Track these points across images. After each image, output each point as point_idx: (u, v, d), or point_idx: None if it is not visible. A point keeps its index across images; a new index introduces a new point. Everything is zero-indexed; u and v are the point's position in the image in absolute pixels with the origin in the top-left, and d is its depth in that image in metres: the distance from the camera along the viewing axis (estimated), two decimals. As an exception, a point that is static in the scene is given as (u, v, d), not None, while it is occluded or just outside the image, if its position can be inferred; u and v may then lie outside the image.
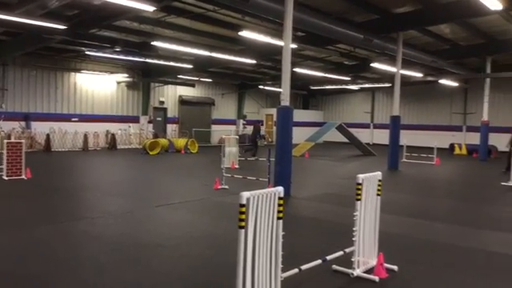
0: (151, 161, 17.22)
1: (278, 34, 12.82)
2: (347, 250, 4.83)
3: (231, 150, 14.11)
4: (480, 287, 4.63)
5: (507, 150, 15.74)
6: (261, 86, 29.25)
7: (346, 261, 4.79)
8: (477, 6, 10.59)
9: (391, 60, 17.93)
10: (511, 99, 25.72)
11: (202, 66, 22.18)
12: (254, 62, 19.65)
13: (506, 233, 6.98)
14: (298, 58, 21.01)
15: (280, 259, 3.78)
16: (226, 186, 10.45)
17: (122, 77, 23.59)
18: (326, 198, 9.90)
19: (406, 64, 18.33)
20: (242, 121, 30.81)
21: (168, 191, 10.28)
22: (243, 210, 3.35)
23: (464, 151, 24.50)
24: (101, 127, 22.53)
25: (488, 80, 20.78)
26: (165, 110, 26.27)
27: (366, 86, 28.55)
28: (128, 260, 5.20)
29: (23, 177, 11.33)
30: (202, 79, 27.08)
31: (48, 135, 20.18)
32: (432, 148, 19.12)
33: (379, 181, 4.96)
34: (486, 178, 14.17)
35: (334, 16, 13.75)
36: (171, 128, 26.48)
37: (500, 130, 22.26)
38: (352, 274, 4.71)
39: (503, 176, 13.53)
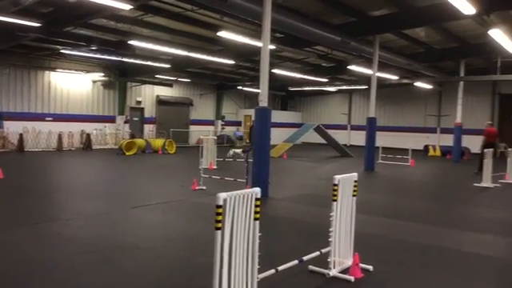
0: (128, 161, 17.00)
1: (257, 35, 12.85)
2: (323, 251, 4.87)
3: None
4: (453, 286, 4.72)
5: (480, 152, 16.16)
6: (239, 87, 29.26)
7: (322, 261, 4.82)
8: (451, 10, 10.82)
9: (368, 62, 18.18)
10: (483, 102, 26.41)
11: (180, 66, 22.04)
12: (232, 62, 19.65)
13: (478, 233, 7.15)
14: (277, 59, 21.10)
15: (257, 260, 3.78)
16: (204, 187, 10.41)
17: (98, 76, 23.22)
18: (303, 198, 9.96)
19: (382, 66, 18.63)
20: (220, 121, 30.74)
21: (145, 192, 10.17)
22: (220, 211, 3.34)
23: (438, 153, 25.01)
24: (75, 127, 22.14)
25: (461, 83, 21.29)
26: (142, 110, 25.98)
27: (344, 87, 28.89)
28: (103, 262, 5.11)
29: (-6, 177, 11.03)
30: (179, 79, 26.91)
31: (21, 135, 19.72)
32: (407, 149, 19.45)
33: (355, 182, 5.02)
34: (459, 179, 14.50)
35: (312, 18, 13.86)
36: (148, 128, 26.21)
37: (473, 132, 22.84)
38: (328, 274, 4.74)
39: (475, 177, 13.87)
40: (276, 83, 25.90)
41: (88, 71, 22.78)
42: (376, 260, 5.24)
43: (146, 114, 26.22)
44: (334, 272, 4.76)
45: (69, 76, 22.15)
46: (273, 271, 4.33)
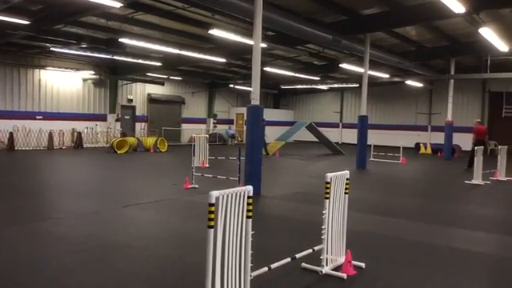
0: (119, 160, 16.91)
1: (248, 33, 12.84)
2: (316, 248, 4.88)
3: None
4: (444, 283, 4.76)
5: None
6: (231, 85, 29.20)
7: (315, 258, 4.84)
8: (441, 8, 10.89)
9: (359, 61, 18.27)
10: (474, 100, 26.64)
11: (172, 64, 21.95)
12: (224, 60, 19.61)
13: (469, 230, 7.21)
14: (269, 58, 21.10)
15: (249, 258, 3.78)
16: (196, 186, 10.38)
17: (89, 74, 23.03)
18: (295, 196, 9.98)
19: (374, 65, 18.71)
20: (212, 120, 30.68)
21: (136, 191, 10.12)
22: (212, 209, 3.34)
23: (429, 150, 25.18)
24: (66, 125, 21.96)
25: (452, 81, 21.43)
26: (133, 108, 25.84)
27: (335, 86, 28.94)
28: (94, 261, 5.08)
29: (-16, 177, 10.92)
30: (171, 77, 26.81)
31: (11, 133, 19.53)
32: (398, 147, 19.57)
33: (347, 179, 5.03)
34: (450, 177, 14.60)
35: (304, 16, 13.87)
36: (140, 126, 26.08)
37: (463, 130, 23.04)
38: (321, 271, 4.76)
39: (466, 174, 13.98)
40: (268, 81, 25.92)
41: (78, 69, 22.59)
42: (368, 257, 5.27)
43: (138, 113, 26.09)
44: (326, 269, 4.78)
45: (59, 74, 21.94)
46: (265, 269, 4.33)
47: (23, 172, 12.98)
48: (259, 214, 7.05)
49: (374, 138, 21.04)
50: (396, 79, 23.77)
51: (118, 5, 10.73)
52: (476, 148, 13.07)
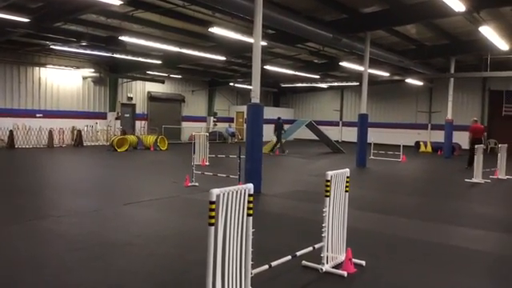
0: (119, 158, 16.91)
1: (249, 31, 12.82)
2: (316, 246, 4.88)
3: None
4: (443, 280, 4.76)
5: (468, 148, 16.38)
6: (231, 83, 29.18)
7: (316, 256, 4.84)
8: (441, 7, 10.88)
9: (359, 59, 18.23)
10: (474, 98, 26.63)
11: (172, 63, 21.94)
12: (224, 58, 19.60)
13: (468, 228, 7.22)
14: (269, 56, 21.07)
15: (250, 256, 3.78)
16: (197, 184, 10.39)
17: (89, 72, 23.02)
18: (295, 194, 9.98)
19: (374, 63, 18.68)
20: (212, 118, 30.67)
21: (137, 189, 10.13)
22: (213, 207, 3.34)
23: (429, 149, 25.19)
24: (66, 123, 21.95)
25: (452, 80, 21.42)
26: (133, 106, 25.83)
27: (335, 84, 28.92)
28: (95, 259, 5.09)
29: (-16, 175, 10.92)
30: (171, 75, 26.78)
31: (11, 131, 19.53)
32: (398, 146, 19.57)
33: (347, 177, 5.03)
34: (450, 175, 14.61)
35: (304, 14, 13.86)
36: (140, 125, 26.07)
37: (463, 129, 22.99)
38: (321, 269, 4.76)
39: (466, 173, 13.98)
40: (268, 80, 25.89)
41: (78, 67, 22.58)
42: (369, 255, 5.27)
43: (138, 111, 26.08)
44: (327, 267, 4.78)
45: (59, 72, 21.93)
46: (266, 267, 4.33)
47: (23, 170, 12.97)
48: (260, 211, 7.05)
49: (374, 136, 21.03)
50: (396, 77, 23.76)
51: (118, 2, 10.72)
52: (476, 146, 13.07)
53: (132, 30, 16.36)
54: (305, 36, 14.36)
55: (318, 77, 26.42)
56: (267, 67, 21.21)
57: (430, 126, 28.51)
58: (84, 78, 23.09)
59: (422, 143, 25.79)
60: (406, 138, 22.68)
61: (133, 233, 6.29)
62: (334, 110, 33.07)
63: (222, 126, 30.02)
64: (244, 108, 24.79)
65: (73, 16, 13.43)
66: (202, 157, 14.55)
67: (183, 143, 25.73)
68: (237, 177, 9.80)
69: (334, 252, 4.97)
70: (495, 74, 20.37)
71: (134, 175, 12.48)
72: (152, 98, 26.61)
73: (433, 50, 19.50)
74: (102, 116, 23.79)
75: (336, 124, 32.67)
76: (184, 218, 7.44)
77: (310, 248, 4.90)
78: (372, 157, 19.09)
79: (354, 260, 4.93)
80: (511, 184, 12.72)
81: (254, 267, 3.94)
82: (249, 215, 3.73)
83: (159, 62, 20.53)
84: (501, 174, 13.63)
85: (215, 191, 3.35)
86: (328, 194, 4.71)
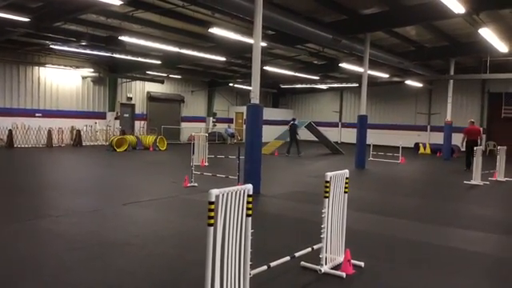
0: (118, 158, 16.90)
1: (248, 32, 12.82)
2: (315, 247, 4.89)
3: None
4: (442, 282, 4.77)
5: (463, 149, 16.45)
6: (231, 84, 29.17)
7: (314, 257, 4.84)
8: (441, 8, 10.88)
9: (359, 60, 18.26)
10: (473, 100, 26.64)
11: (171, 63, 21.93)
12: (224, 59, 19.59)
13: (467, 230, 7.22)
14: (268, 57, 21.08)
15: (249, 256, 3.78)
16: (196, 184, 10.39)
17: (88, 72, 23.00)
18: (294, 195, 9.98)
19: (373, 65, 18.70)
20: (211, 118, 30.66)
21: (136, 189, 10.12)
22: (212, 207, 3.34)
23: (428, 150, 25.20)
24: (66, 123, 21.92)
25: (451, 81, 21.45)
26: (132, 106, 25.81)
27: (335, 85, 28.93)
28: (93, 259, 5.09)
29: (-17, 174, 10.91)
30: (171, 76, 26.77)
31: (10, 131, 19.51)
32: (398, 147, 19.58)
33: (346, 179, 5.04)
34: (449, 177, 14.61)
35: (304, 15, 13.86)
36: (139, 125, 26.05)
37: (463, 131, 23.00)
38: (320, 270, 4.77)
39: (465, 174, 13.99)
40: (268, 80, 25.88)
41: (78, 67, 22.56)
42: (367, 256, 5.27)
43: (137, 111, 26.05)
44: (325, 268, 4.79)
45: (58, 72, 21.91)
46: (265, 267, 4.33)
47: (22, 170, 12.96)
48: (259, 212, 7.05)
49: (374, 137, 21.04)
50: (396, 79, 23.76)
51: (118, 2, 10.72)
52: (475, 148, 13.08)
53: (132, 30, 16.36)
54: (305, 37, 14.36)
55: (317, 78, 26.43)
56: (267, 68, 21.21)
57: (429, 127, 28.53)
58: (83, 78, 23.08)
59: (421, 145, 25.80)
60: (405, 139, 22.67)
61: (132, 233, 6.29)
62: (334, 111, 33.08)
63: (221, 127, 30.02)
64: (243, 109, 24.80)
65: (73, 16, 13.42)
66: (201, 157, 14.56)
67: (182, 143, 25.73)
68: (236, 177, 9.80)
69: (333, 253, 4.97)
70: (494, 76, 20.39)
71: (133, 175, 12.47)
72: (151, 98, 26.59)
73: (432, 52, 19.52)
74: (101, 116, 23.77)
75: (335, 125, 32.68)
76: (183, 218, 7.44)
77: (309, 249, 4.90)
78: (371, 158, 19.10)
79: (353, 261, 4.93)
80: (510, 186, 12.73)
81: (252, 268, 3.94)
82: (248, 216, 3.73)
83: (159, 62, 20.52)
84: (500, 176, 13.63)
85: (214, 191, 3.35)
86: (327, 195, 4.71)
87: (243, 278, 3.76)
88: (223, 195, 3.43)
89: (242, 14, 11.36)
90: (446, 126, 21.23)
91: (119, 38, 15.66)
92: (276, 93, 34.62)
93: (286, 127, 22.69)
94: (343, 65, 20.13)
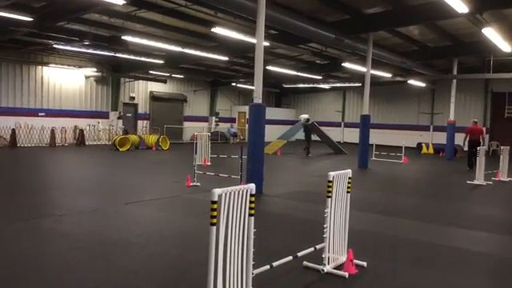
0: (121, 157, 16.93)
1: (251, 32, 12.82)
2: (318, 247, 4.88)
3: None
4: (444, 282, 4.76)
5: (466, 148, 16.41)
6: (233, 84, 29.18)
7: (317, 257, 4.83)
8: (444, 8, 10.87)
9: (361, 60, 18.22)
10: (476, 100, 26.58)
11: (174, 62, 21.95)
12: (226, 58, 19.59)
13: (470, 230, 7.21)
14: (271, 56, 21.07)
15: (251, 256, 3.78)
16: (198, 183, 10.39)
17: (91, 71, 23.06)
18: (297, 195, 9.97)
19: (376, 64, 18.68)
20: (214, 118, 30.67)
21: (138, 188, 10.13)
22: (215, 206, 3.34)
23: (431, 150, 25.15)
24: (69, 123, 21.98)
25: (454, 81, 21.39)
26: (135, 105, 25.85)
27: (337, 85, 28.90)
28: (96, 258, 5.09)
29: (-14, 173, 10.94)
30: (173, 75, 26.79)
31: (13, 130, 19.56)
32: (400, 147, 19.54)
33: (349, 178, 5.03)
34: (452, 177, 14.58)
35: (306, 15, 13.85)
36: (142, 124, 26.09)
37: (465, 130, 22.95)
38: (322, 270, 4.76)
39: (468, 174, 13.95)
40: (270, 80, 25.88)
41: (81, 66, 22.62)
42: (370, 256, 5.26)
43: (140, 110, 26.09)
44: (328, 268, 4.78)
45: (62, 71, 21.97)
46: (267, 267, 4.33)
47: (25, 169, 12.99)
48: (261, 212, 7.05)
49: (376, 137, 21.02)
50: (398, 79, 23.74)
51: (121, 2, 10.73)
52: (478, 148, 13.04)
53: (135, 30, 16.38)
54: (307, 36, 14.35)
55: (320, 77, 26.41)
56: (269, 68, 21.21)
57: (432, 127, 28.47)
58: (86, 78, 23.13)
59: (423, 145, 25.75)
60: (407, 139, 22.66)
61: (134, 232, 6.30)
62: (336, 111, 33.04)
63: (223, 126, 30.03)
64: (246, 108, 24.84)
65: (76, 15, 13.45)
66: (203, 157, 14.55)
67: (185, 143, 25.75)
68: (238, 177, 9.80)
69: (336, 253, 4.97)
70: (498, 76, 20.33)
71: (135, 175, 12.49)
72: (154, 97, 26.63)
73: (435, 52, 19.47)
74: (104, 115, 23.82)
75: (338, 125, 32.64)
76: (185, 217, 7.45)
77: (312, 249, 4.90)
78: (374, 158, 19.07)
79: (356, 261, 4.92)
80: (513, 186, 12.69)
81: (255, 267, 3.94)
82: (250, 215, 3.73)
83: (161, 61, 20.54)
84: (503, 176, 13.59)
85: (217, 191, 3.35)
86: (330, 194, 4.71)
87: (246, 277, 3.76)
88: (226, 195, 3.43)
89: (245, 13, 11.35)
90: (449, 126, 21.18)
91: (122, 37, 15.69)
92: (278, 92, 34.60)
93: (289, 126, 22.73)
94: (346, 64, 20.10)
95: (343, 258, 4.97)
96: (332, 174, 4.69)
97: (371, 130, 16.90)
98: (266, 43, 13.02)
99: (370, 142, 17.05)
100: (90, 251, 5.33)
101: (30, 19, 12.88)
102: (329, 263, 4.83)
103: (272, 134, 21.70)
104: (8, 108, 20.04)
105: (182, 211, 7.96)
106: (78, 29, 16.32)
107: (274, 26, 13.49)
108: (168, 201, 8.75)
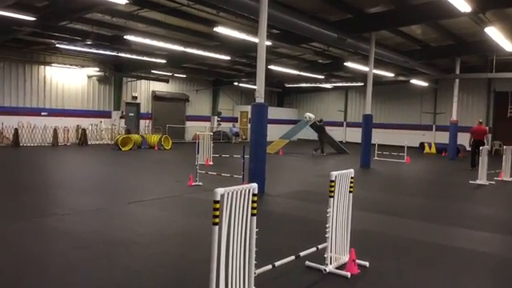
0: (123, 157, 16.96)
1: (253, 31, 12.83)
2: (320, 247, 4.87)
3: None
4: (447, 282, 4.75)
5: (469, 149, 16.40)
6: (236, 83, 29.18)
7: (319, 257, 4.83)
8: (447, 7, 10.85)
9: (364, 59, 18.21)
10: (479, 100, 26.52)
11: (176, 62, 21.97)
12: (228, 58, 19.60)
13: (473, 230, 7.19)
14: (273, 56, 21.07)
15: (254, 255, 3.78)
16: (200, 183, 10.40)
17: (93, 71, 23.10)
18: (299, 195, 9.97)
19: (379, 64, 18.65)
20: (216, 118, 30.68)
21: (141, 188, 10.14)
22: (217, 206, 3.34)
23: (433, 150, 25.09)
24: (71, 122, 22.04)
25: (457, 81, 21.34)
26: (138, 105, 25.89)
27: (340, 84, 28.88)
28: (99, 257, 5.10)
29: (-11, 172, 10.97)
30: (176, 75, 26.82)
31: (16, 130, 19.62)
32: (403, 147, 19.51)
33: (352, 178, 5.02)
34: (454, 177, 14.55)
35: (309, 14, 13.84)
36: (144, 124, 26.13)
37: (468, 130, 22.91)
38: (325, 270, 4.76)
39: (471, 174, 13.92)
40: (272, 79, 25.88)
41: (83, 66, 22.66)
42: (372, 256, 5.25)
43: (142, 110, 26.13)
44: (330, 268, 4.78)
45: (64, 71, 22.02)
46: (270, 267, 4.33)
47: (28, 168, 13.03)
48: (263, 211, 7.05)
49: (379, 137, 20.97)
50: (401, 78, 23.69)
51: (124, 1, 10.75)
52: (481, 148, 13.01)
53: (137, 29, 16.40)
54: (309, 36, 14.34)
55: (322, 77, 26.39)
56: (272, 67, 21.20)
57: (434, 127, 28.42)
58: (89, 77, 23.17)
59: (426, 144, 25.70)
60: (410, 139, 22.61)
61: (137, 231, 6.31)
62: (339, 111, 33.02)
63: (226, 126, 30.05)
64: (248, 108, 24.82)
65: (78, 15, 13.47)
66: (205, 156, 14.57)
67: (187, 143, 25.76)
68: (241, 176, 9.80)
69: (338, 253, 4.96)
70: (500, 76, 20.28)
71: (138, 174, 12.51)
72: (156, 97, 26.66)
73: (438, 51, 19.44)
74: (106, 115, 23.86)
75: (340, 124, 32.61)
76: (187, 217, 7.46)
77: (314, 248, 4.89)
78: (376, 158, 19.05)
79: (358, 261, 4.91)
80: (516, 186, 12.66)
81: (257, 267, 3.94)
82: (253, 215, 3.73)
83: (164, 61, 20.56)
84: (506, 176, 13.55)
85: (219, 190, 3.35)
86: (332, 194, 4.70)
87: (248, 277, 3.76)
88: (228, 194, 3.43)
89: (247, 12, 11.35)
90: (452, 126, 21.14)
91: (124, 37, 15.71)
92: (281, 92, 34.60)
93: (292, 126, 22.71)
94: (348, 64, 20.08)
95: (345, 258, 4.96)
96: (334, 173, 4.68)
97: (373, 129, 16.88)
98: (268, 42, 13.02)
99: (373, 142, 17.03)
100: (92, 250, 5.34)
101: (33, 19, 12.91)
102: (331, 263, 4.82)
103: (274, 133, 21.72)
104: (11, 107, 20.10)
105: (185, 211, 7.96)
106: (81, 28, 16.34)
107: (277, 26, 13.48)
108: (170, 200, 8.76)
